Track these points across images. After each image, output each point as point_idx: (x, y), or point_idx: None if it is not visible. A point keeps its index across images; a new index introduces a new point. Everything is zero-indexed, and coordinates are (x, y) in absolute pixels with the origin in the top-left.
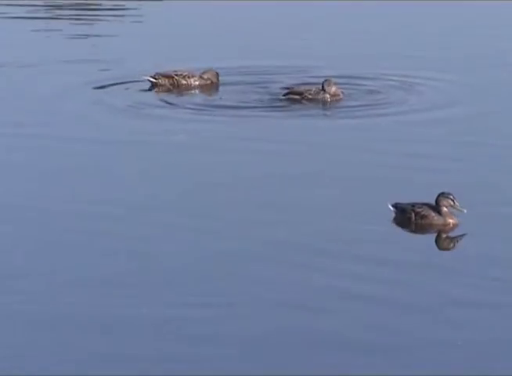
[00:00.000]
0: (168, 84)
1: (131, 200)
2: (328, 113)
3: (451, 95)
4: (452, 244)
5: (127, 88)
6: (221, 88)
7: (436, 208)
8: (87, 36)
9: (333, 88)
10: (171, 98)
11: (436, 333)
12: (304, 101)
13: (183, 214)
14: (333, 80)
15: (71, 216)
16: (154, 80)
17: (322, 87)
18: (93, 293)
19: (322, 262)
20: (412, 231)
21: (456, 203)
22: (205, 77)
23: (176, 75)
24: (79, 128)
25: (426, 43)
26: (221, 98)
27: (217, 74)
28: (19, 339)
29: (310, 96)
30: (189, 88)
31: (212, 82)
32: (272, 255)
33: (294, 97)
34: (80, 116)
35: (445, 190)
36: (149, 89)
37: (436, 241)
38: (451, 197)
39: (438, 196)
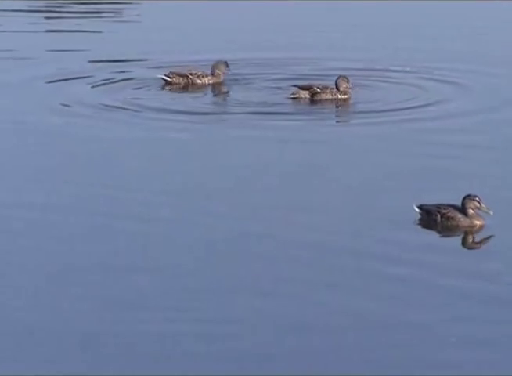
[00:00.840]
0: (183, 83)
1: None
2: (340, 115)
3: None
4: (478, 246)
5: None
6: (227, 85)
7: (462, 210)
8: (89, 31)
9: (342, 88)
10: (180, 101)
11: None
12: (311, 100)
13: (181, 217)
14: (345, 77)
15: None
16: (168, 78)
17: (336, 84)
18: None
19: (346, 263)
20: (438, 232)
21: (483, 205)
22: (216, 74)
23: (190, 74)
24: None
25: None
26: (225, 99)
27: (226, 63)
28: None
29: (318, 90)
30: (202, 87)
31: (223, 77)
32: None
33: (302, 97)
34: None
35: (471, 193)
36: (163, 88)
37: (462, 243)
38: (477, 199)
39: (464, 198)
